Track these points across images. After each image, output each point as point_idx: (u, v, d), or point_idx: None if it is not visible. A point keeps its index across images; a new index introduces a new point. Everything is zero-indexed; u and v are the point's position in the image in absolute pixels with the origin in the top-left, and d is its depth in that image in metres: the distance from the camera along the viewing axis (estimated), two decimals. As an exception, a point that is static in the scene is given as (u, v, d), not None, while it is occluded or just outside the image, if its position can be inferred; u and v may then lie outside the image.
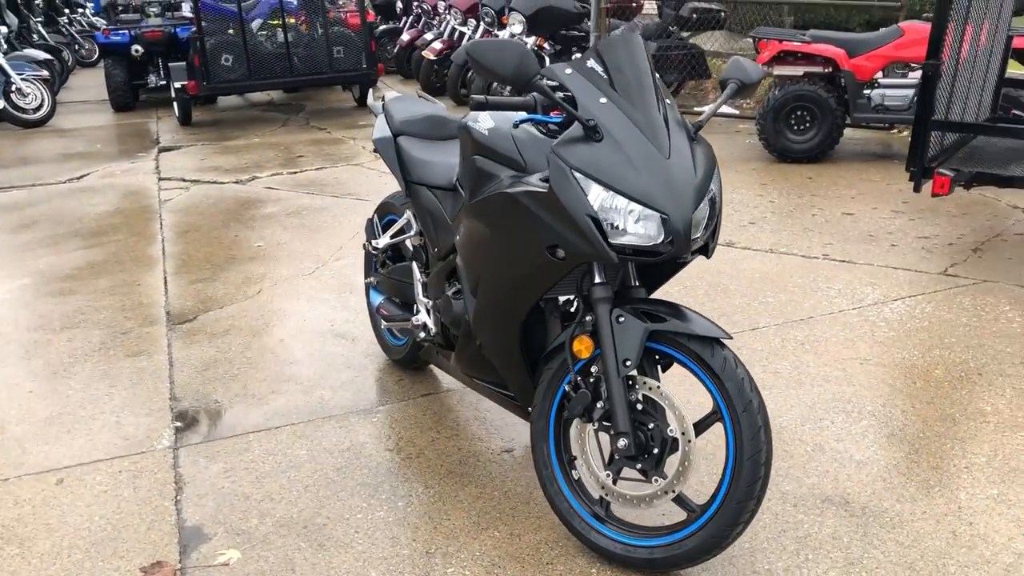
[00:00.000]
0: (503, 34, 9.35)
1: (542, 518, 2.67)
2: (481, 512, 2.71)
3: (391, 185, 6.63)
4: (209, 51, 9.22)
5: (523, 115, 2.51)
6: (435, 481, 2.88)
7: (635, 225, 2.19)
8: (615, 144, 2.22)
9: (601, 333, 2.34)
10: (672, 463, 2.32)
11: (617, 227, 2.20)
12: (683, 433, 2.28)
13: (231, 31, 9.42)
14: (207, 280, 4.81)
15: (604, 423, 2.38)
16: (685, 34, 9.95)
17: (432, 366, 3.54)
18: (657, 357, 2.39)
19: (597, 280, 2.36)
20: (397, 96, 3.55)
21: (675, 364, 2.37)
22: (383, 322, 3.44)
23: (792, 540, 2.51)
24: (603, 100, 2.27)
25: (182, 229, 5.82)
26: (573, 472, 2.54)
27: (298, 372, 3.69)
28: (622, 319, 2.32)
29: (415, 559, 2.51)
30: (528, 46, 9.21)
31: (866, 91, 6.89)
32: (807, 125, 6.90)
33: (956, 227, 5.29)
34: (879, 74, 6.91)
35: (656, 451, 2.32)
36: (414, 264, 3.19)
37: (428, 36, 11.38)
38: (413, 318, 3.19)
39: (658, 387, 2.32)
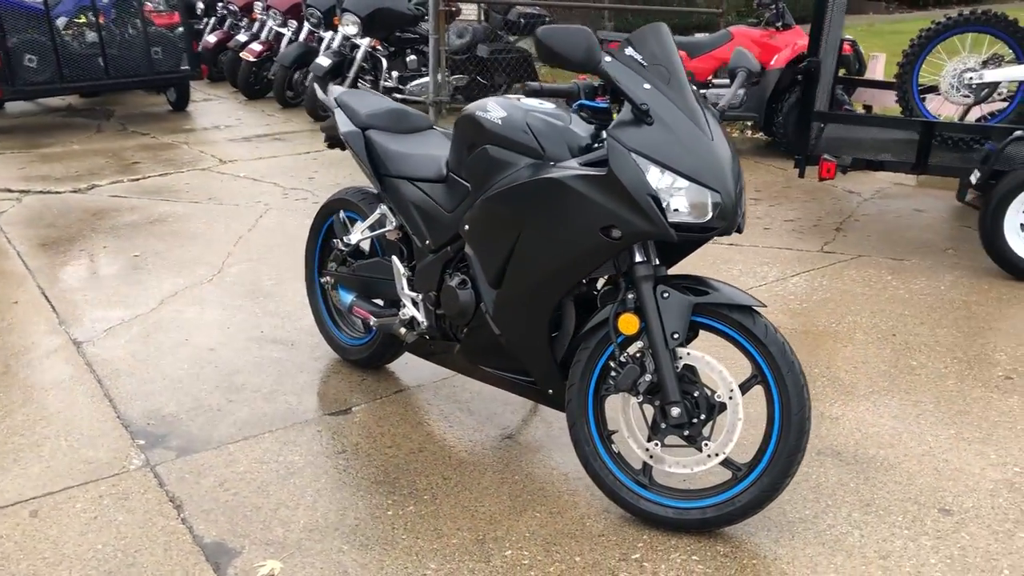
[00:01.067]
0: (336, 36, 9.20)
1: (575, 494, 2.74)
2: (512, 496, 2.74)
3: (252, 190, 6.39)
4: (11, 51, 8.42)
5: (541, 104, 2.61)
6: (451, 472, 2.88)
7: (688, 203, 2.33)
8: (665, 127, 2.34)
9: (647, 308, 2.46)
10: (719, 428, 2.47)
11: (671, 205, 2.32)
12: (731, 396, 2.44)
13: (34, 30, 8.65)
14: (96, 292, 4.45)
15: (647, 395, 2.50)
16: (512, 38, 10.22)
17: (424, 360, 3.50)
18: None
19: (639, 259, 2.48)
20: (347, 89, 3.49)
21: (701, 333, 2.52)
22: (363, 319, 3.35)
23: (808, 490, 2.74)
24: (647, 86, 2.39)
25: (38, 242, 5.32)
26: (612, 446, 2.63)
27: (248, 381, 3.53)
28: (667, 294, 2.45)
29: (468, 547, 2.51)
30: (363, 48, 9.18)
31: (703, 92, 7.40)
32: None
33: (812, 211, 5.84)
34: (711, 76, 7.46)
35: (703, 417, 2.46)
36: (394, 259, 3.15)
37: (242, 38, 10.95)
38: (400, 312, 3.15)
39: (702, 356, 2.47)
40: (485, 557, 2.46)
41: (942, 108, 5.59)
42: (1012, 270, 4.43)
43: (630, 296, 2.50)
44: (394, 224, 3.16)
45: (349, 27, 9.32)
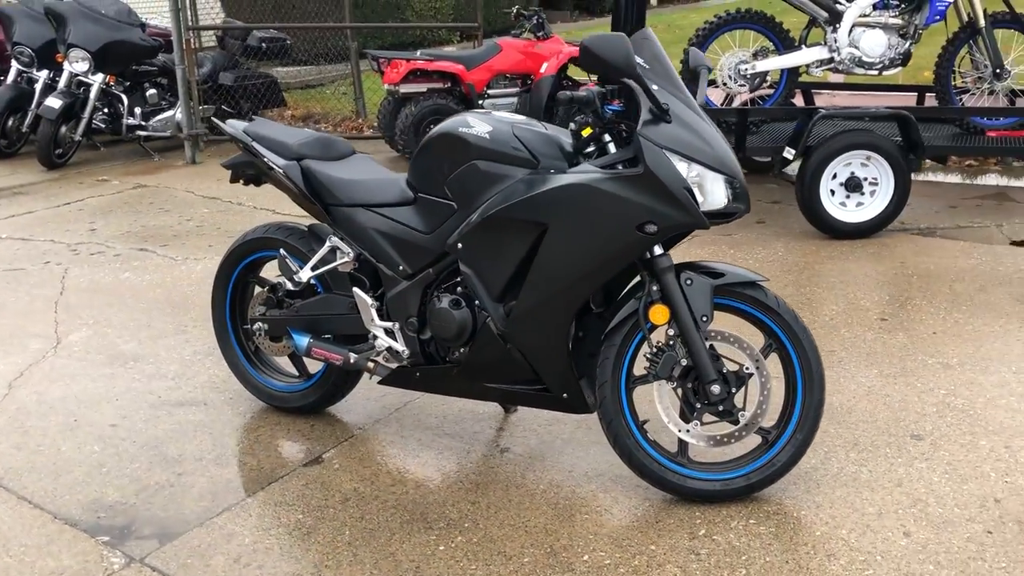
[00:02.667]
0: (63, 75, 8.33)
1: (608, 491, 2.80)
2: (552, 504, 2.75)
3: (29, 251, 5.68)
4: None
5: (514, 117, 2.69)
6: (475, 495, 2.82)
7: (714, 191, 2.49)
8: (682, 123, 2.49)
9: (673, 297, 2.59)
10: (750, 400, 2.66)
11: (700, 195, 2.48)
12: (757, 365, 2.64)
13: None
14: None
15: (680, 379, 2.64)
16: (253, 64, 9.87)
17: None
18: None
19: (659, 252, 2.60)
20: (252, 121, 3.27)
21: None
22: (326, 360, 3.14)
23: (844, 451, 2.99)
24: (655, 87, 2.52)
25: None
26: (648, 435, 2.73)
27: (183, 450, 3.19)
28: (690, 281, 2.60)
29: (544, 561, 2.49)
30: (96, 85, 8.41)
31: (480, 102, 7.67)
32: (442, 136, 7.44)
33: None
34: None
35: (733, 390, 2.64)
36: (357, 291, 3.02)
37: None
38: (377, 343, 3.01)
39: (726, 333, 2.65)
40: (567, 566, 2.46)
41: (718, 98, 6.23)
42: (828, 230, 5.09)
43: (654, 288, 2.62)
44: (351, 255, 3.02)
45: (78, 64, 8.50)
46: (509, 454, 3.05)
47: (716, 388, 2.59)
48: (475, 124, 2.73)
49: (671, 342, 2.63)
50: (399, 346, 2.97)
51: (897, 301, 4.19)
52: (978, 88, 6.11)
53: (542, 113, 7.59)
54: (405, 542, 2.60)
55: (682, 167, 2.46)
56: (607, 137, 2.61)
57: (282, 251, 3.14)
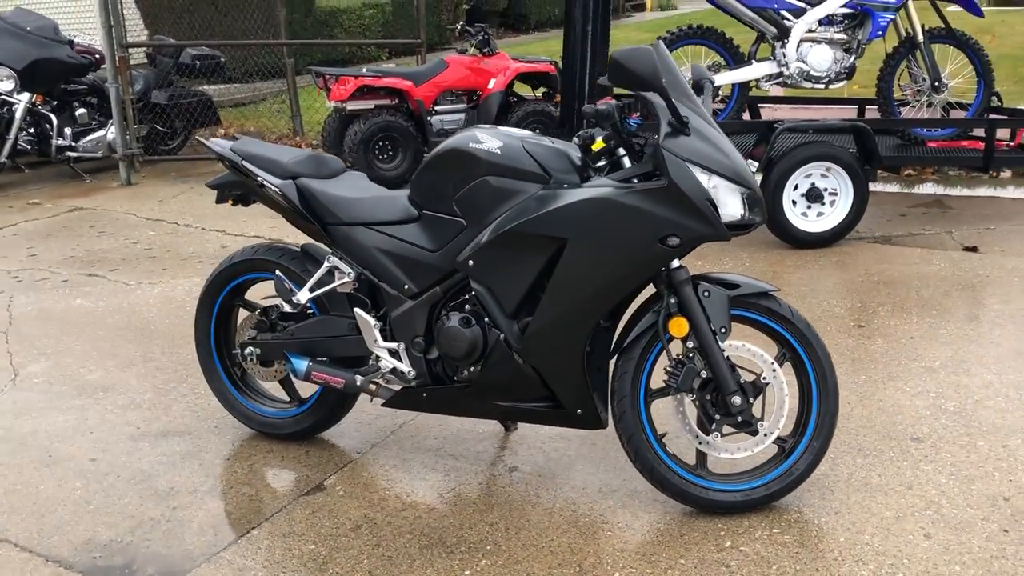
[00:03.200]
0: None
1: (626, 507, 2.78)
2: (572, 523, 2.71)
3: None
4: None
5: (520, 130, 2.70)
6: (492, 517, 2.76)
7: (732, 202, 2.51)
8: (700, 135, 2.51)
9: (691, 309, 2.60)
10: (767, 409, 2.68)
11: (719, 207, 2.49)
12: (774, 374, 2.66)
13: None
14: None
15: (699, 391, 2.64)
16: (186, 82, 9.62)
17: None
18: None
19: (676, 264, 2.61)
20: (238, 140, 3.17)
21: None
22: (326, 384, 3.03)
23: (851, 456, 3.02)
24: (682, 100, 2.52)
25: None
26: (668, 448, 2.72)
27: (174, 482, 3.06)
28: (707, 292, 2.61)
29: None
30: (23, 105, 8.08)
31: (428, 119, 7.62)
32: (391, 154, 7.37)
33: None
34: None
35: (751, 400, 2.66)
36: (358, 312, 2.94)
37: None
38: (381, 364, 2.93)
39: (742, 344, 2.66)
40: (600, 585, 2.43)
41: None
42: (791, 240, 5.20)
43: (672, 300, 2.62)
44: (351, 275, 2.94)
45: (2, 83, 8.17)
46: (518, 473, 3.00)
47: (737, 399, 2.60)
48: (485, 139, 2.69)
49: (690, 354, 2.63)
50: (404, 367, 2.90)
51: (869, 308, 4.29)
52: (917, 101, 6.33)
53: (491, 129, 7.57)
54: (428, 568, 2.53)
55: (703, 179, 2.46)
56: (621, 151, 2.60)
57: (278, 273, 3.04)
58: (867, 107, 6.91)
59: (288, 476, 3.06)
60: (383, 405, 2.99)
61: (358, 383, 2.97)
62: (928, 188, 6.93)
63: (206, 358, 3.33)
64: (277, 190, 2.93)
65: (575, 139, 2.78)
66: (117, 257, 5.73)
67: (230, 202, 3.17)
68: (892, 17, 5.97)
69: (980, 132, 6.07)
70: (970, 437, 3.07)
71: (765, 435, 2.67)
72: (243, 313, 3.35)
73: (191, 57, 9.32)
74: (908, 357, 3.72)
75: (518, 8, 19.51)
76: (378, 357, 2.93)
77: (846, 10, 5.97)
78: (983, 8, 6.69)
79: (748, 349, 2.66)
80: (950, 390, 3.41)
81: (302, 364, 3.00)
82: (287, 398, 3.33)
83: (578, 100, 6.16)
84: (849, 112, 6.88)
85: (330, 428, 3.28)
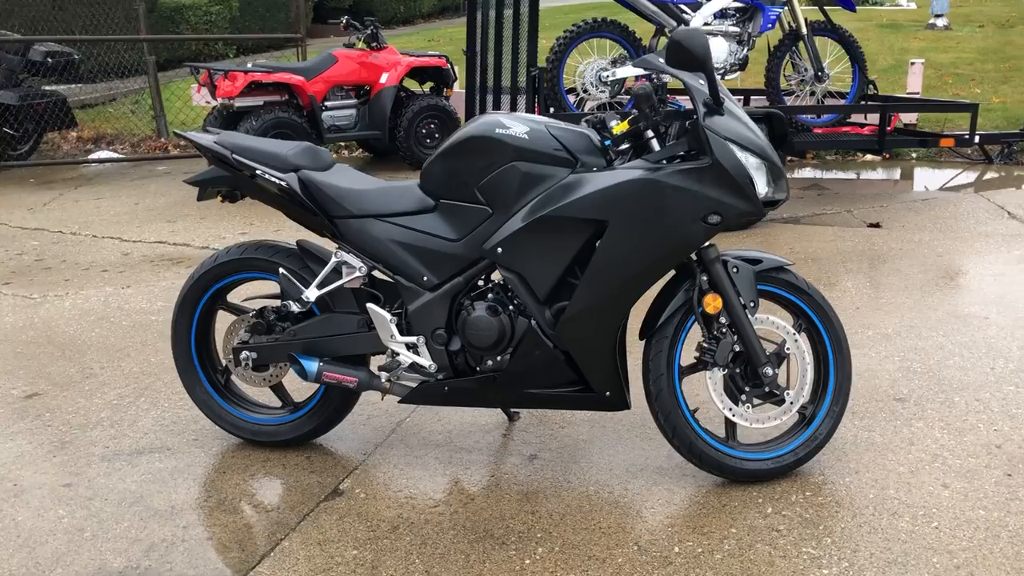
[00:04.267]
0: None
1: (661, 484, 2.82)
2: (612, 504, 2.73)
3: None
4: None
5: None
6: (531, 505, 2.74)
7: (766, 180, 2.60)
8: (732, 115, 2.58)
9: (723, 286, 2.68)
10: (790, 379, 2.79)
11: (756, 185, 2.58)
12: (797, 343, 2.78)
13: None
14: None
15: (731, 364, 2.73)
16: (36, 81, 8.95)
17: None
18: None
19: (705, 244, 2.68)
20: (219, 133, 3.00)
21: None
22: (340, 383, 2.90)
23: (848, 419, 3.16)
24: (701, 81, 2.59)
25: None
26: (701, 423, 2.79)
27: (172, 499, 2.85)
28: (736, 269, 2.70)
29: (637, 557, 2.46)
30: None
31: (322, 115, 7.42)
32: (285, 151, 7.11)
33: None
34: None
35: (777, 371, 2.76)
36: (372, 307, 2.84)
37: None
38: (401, 359, 2.84)
39: (766, 317, 2.76)
40: (664, 561, 2.46)
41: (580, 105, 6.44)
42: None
43: (704, 278, 2.68)
44: (363, 270, 2.84)
45: None
46: (539, 460, 2.99)
47: (769, 371, 2.70)
48: (511, 125, 2.66)
49: (723, 329, 2.71)
50: (425, 361, 2.82)
51: (806, 283, 4.53)
52: (801, 90, 6.74)
53: (387, 123, 7.47)
54: (487, 561, 2.48)
55: (742, 157, 2.54)
56: (650, 133, 2.64)
57: (282, 270, 2.89)
58: (751, 97, 7.29)
59: (297, 484, 2.92)
60: (400, 402, 2.90)
61: (372, 381, 2.87)
62: (807, 173, 7.38)
63: (187, 367, 3.12)
64: (283, 183, 2.79)
65: (583, 123, 2.80)
66: (5, 270, 5.26)
67: (219, 199, 2.98)
68: (780, 11, 6.33)
69: (859, 118, 6.54)
70: (946, 394, 3.31)
71: (791, 403, 2.78)
72: (224, 317, 3.15)
73: (42, 54, 8.66)
74: (861, 326, 3.96)
75: (366, 5, 19.22)
76: (395, 352, 2.84)
77: (738, 4, 6.27)
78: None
79: (772, 321, 2.76)
80: (911, 353, 3.66)
81: (313, 365, 2.87)
82: (277, 404, 3.17)
83: (493, 93, 6.15)
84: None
85: (330, 431, 3.15)
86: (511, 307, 2.75)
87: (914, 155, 7.49)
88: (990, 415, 3.16)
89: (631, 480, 2.84)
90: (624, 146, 2.70)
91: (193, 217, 6.32)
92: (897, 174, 7.22)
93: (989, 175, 6.82)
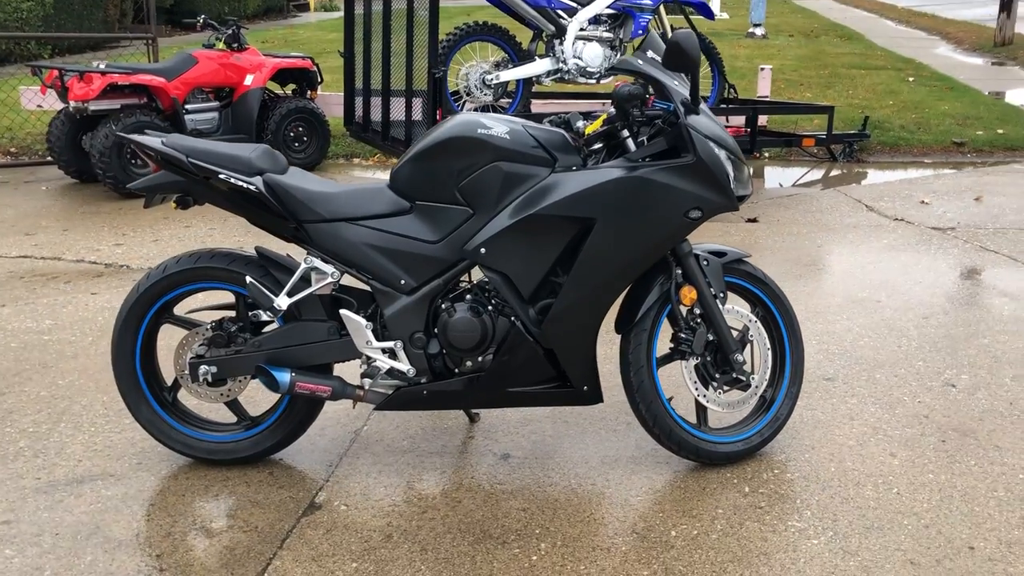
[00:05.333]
0: None
1: (638, 472, 2.91)
2: (599, 495, 2.79)
3: None
4: None
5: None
6: (519, 502, 2.75)
7: (737, 176, 2.75)
8: (706, 114, 2.71)
9: (697, 278, 2.81)
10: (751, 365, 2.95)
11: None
12: (758, 330, 2.94)
13: None
14: None
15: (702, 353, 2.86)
16: None
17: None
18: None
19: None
20: (169, 136, 2.84)
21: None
22: (314, 393, 2.79)
23: None
24: (676, 82, 2.71)
25: None
26: (678, 411, 2.90)
27: (137, 529, 2.67)
28: (706, 262, 2.83)
29: (641, 544, 2.54)
30: None
31: (184, 116, 7.07)
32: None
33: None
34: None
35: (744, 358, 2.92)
36: (346, 313, 2.77)
37: None
38: (378, 364, 2.78)
39: (731, 307, 2.91)
40: (666, 544, 2.54)
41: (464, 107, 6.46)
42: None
43: (678, 271, 2.80)
44: (335, 277, 2.76)
45: None
46: (513, 459, 3.01)
47: (739, 357, 2.84)
48: (492, 125, 2.67)
49: (697, 320, 2.83)
50: (403, 366, 2.78)
51: (710, 276, 4.76)
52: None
53: (253, 126, 7.22)
54: (493, 561, 2.48)
55: (720, 154, 2.66)
56: (625, 132, 2.72)
57: (249, 279, 2.76)
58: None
59: (268, 500, 2.80)
60: (376, 408, 2.83)
61: (346, 390, 2.80)
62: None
63: (131, 386, 2.92)
64: (251, 187, 2.66)
65: (546, 123, 2.85)
66: None
67: (174, 205, 2.81)
68: (650, 17, 6.60)
69: (721, 120, 6.91)
70: (867, 372, 3.59)
71: (756, 388, 2.93)
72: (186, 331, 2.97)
73: None
74: (772, 314, 4.21)
75: (188, 5, 18.38)
76: (370, 359, 2.78)
77: (611, 11, 6.49)
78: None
79: (735, 311, 2.90)
80: (825, 336, 3.94)
81: (285, 376, 2.76)
82: (230, 420, 3.03)
83: (382, 96, 6.07)
84: (607, 106, 7.47)
85: (290, 445, 3.03)
86: (490, 307, 2.76)
87: (767, 154, 8.01)
88: (910, 389, 3.45)
89: (609, 471, 2.91)
90: (597, 145, 2.76)
91: (54, 229, 5.87)
92: (753, 172, 7.69)
93: (835, 172, 7.39)
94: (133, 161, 6.61)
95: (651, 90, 2.72)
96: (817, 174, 7.46)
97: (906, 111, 8.93)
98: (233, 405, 2.99)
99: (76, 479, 2.91)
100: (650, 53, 2.70)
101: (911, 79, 11.06)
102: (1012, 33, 14.35)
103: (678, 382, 3.21)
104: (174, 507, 2.76)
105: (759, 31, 14.94)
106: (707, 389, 2.88)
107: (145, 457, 3.03)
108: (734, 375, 2.87)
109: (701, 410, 2.93)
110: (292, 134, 7.44)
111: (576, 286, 2.66)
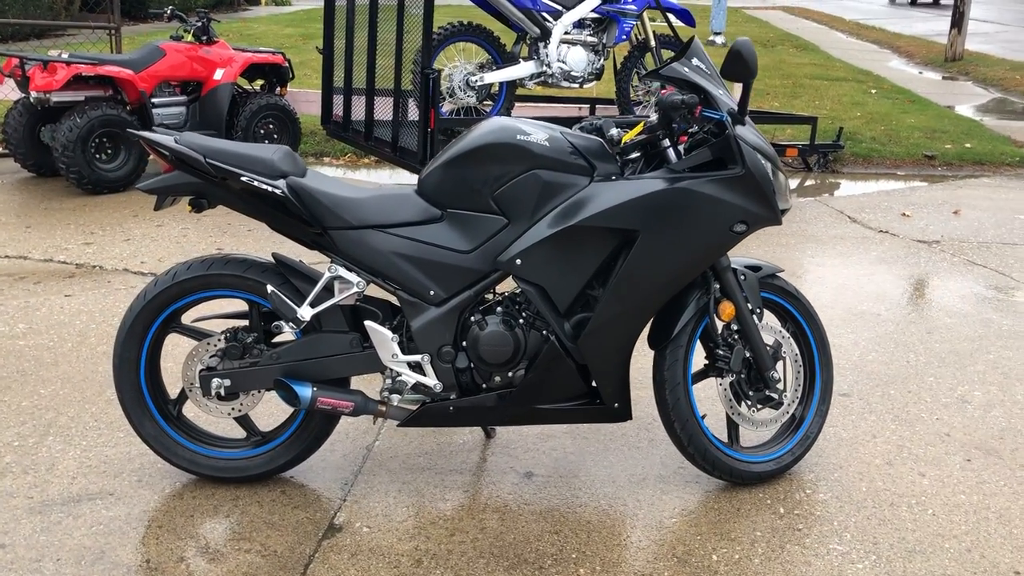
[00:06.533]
0: None
1: (668, 492, 2.82)
2: (632, 516, 2.69)
3: None
4: None
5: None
6: (550, 524, 2.64)
7: (781, 189, 2.68)
8: (750, 126, 2.64)
9: (735, 294, 2.73)
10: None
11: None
12: (791, 346, 2.88)
13: None
14: None
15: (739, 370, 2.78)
16: None
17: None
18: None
19: (718, 253, 2.72)
20: (181, 134, 2.67)
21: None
22: (335, 410, 2.64)
23: None
24: (721, 90, 2.63)
25: None
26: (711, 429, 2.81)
27: (146, 553, 2.49)
28: (744, 276, 2.76)
29: (681, 569, 2.45)
30: None
31: (152, 111, 6.81)
32: (112, 152, 6.46)
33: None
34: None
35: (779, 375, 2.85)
36: (371, 325, 2.63)
37: None
38: (403, 378, 2.64)
39: (765, 323, 2.85)
40: (708, 569, 2.46)
41: (447, 108, 6.33)
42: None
43: (716, 286, 2.72)
44: (360, 287, 2.62)
45: None
46: (537, 478, 2.90)
47: (775, 375, 2.77)
48: (531, 131, 2.56)
49: (734, 336, 2.75)
50: (430, 380, 2.65)
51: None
52: (647, 100, 7.01)
53: (223, 123, 6.98)
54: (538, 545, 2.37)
55: (767, 167, 2.59)
56: (667, 142, 2.63)
57: (271, 288, 2.60)
58: (597, 106, 7.50)
59: (284, 522, 2.64)
60: (399, 425, 2.70)
61: (368, 405, 2.67)
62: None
63: (135, 400, 2.74)
64: (276, 191, 2.51)
65: (577, 128, 2.75)
66: None
67: (189, 208, 2.64)
68: (634, 23, 6.55)
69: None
70: (881, 388, 3.56)
71: (789, 405, 2.87)
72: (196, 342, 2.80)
73: None
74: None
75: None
76: (397, 373, 2.65)
77: (595, 15, 6.42)
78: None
79: (768, 326, 2.84)
80: (833, 350, 3.86)
81: (306, 391, 2.61)
82: (239, 435, 2.87)
83: (367, 95, 5.90)
84: (585, 111, 7.42)
85: (302, 463, 2.88)
86: (522, 320, 2.65)
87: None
88: (926, 405, 3.43)
89: (639, 491, 2.82)
90: (635, 154, 2.67)
91: (15, 225, 5.57)
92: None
93: (810, 181, 7.42)
94: (98, 156, 6.33)
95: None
96: (792, 183, 7.49)
97: (874, 123, 9.02)
98: (243, 420, 2.83)
99: (72, 498, 2.72)
100: (695, 61, 2.62)
101: (873, 91, 11.21)
102: (963, 49, 14.68)
103: (701, 398, 3.13)
104: (183, 529, 2.59)
105: (719, 39, 15.04)
106: (740, 406, 2.80)
107: (145, 474, 2.85)
108: (767, 392, 2.80)
109: (733, 428, 2.85)
110: (263, 131, 7.21)
111: (616, 300, 2.56)
